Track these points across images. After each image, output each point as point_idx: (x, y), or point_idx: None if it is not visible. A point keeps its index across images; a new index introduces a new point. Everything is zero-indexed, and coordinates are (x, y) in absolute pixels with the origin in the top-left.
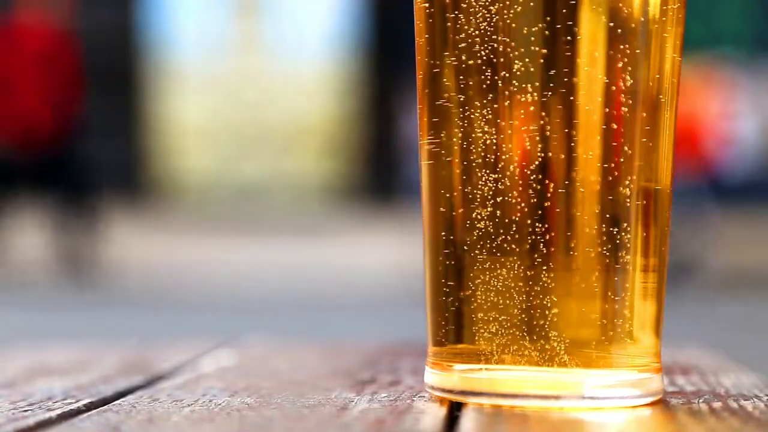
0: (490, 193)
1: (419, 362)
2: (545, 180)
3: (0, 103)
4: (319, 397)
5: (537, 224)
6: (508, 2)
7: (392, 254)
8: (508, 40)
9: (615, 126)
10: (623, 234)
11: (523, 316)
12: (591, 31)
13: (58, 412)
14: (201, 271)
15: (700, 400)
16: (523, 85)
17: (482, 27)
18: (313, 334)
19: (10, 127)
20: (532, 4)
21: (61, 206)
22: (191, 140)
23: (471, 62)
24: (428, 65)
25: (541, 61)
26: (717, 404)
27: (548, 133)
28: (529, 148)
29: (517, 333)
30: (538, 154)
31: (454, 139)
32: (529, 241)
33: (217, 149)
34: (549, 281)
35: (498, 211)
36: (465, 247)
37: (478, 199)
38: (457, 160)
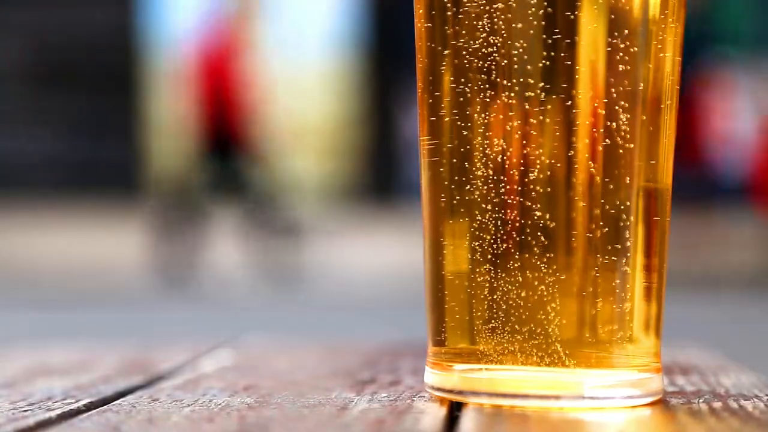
0: (490, 193)
1: (419, 362)
2: (545, 180)
3: (209, 101)
4: (319, 397)
5: (537, 224)
6: (508, 2)
7: (392, 254)
8: (507, 40)
9: (615, 126)
10: (623, 234)
11: (523, 316)
12: (591, 31)
13: (58, 412)
14: (201, 270)
15: (700, 400)
16: (523, 85)
17: (482, 27)
18: (313, 334)
19: (214, 126)
20: (532, 4)
21: (258, 211)
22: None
23: (471, 62)
24: (428, 65)
25: (541, 61)
26: (717, 404)
27: (548, 133)
28: (528, 148)
29: (517, 333)
30: (538, 154)
31: (454, 140)
32: (529, 241)
33: None
34: (549, 281)
35: (498, 211)
36: (465, 247)
37: (478, 200)
38: (457, 160)
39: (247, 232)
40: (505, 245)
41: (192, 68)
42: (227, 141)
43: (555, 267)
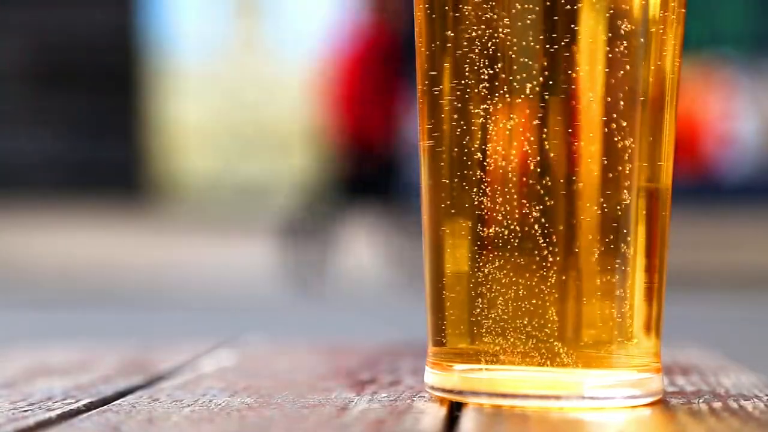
0: (490, 193)
1: (419, 362)
2: (545, 180)
3: (344, 105)
4: (319, 397)
5: (537, 224)
6: (508, 3)
7: (392, 254)
8: (507, 40)
9: (615, 126)
10: (623, 234)
11: (524, 315)
12: (591, 32)
13: (58, 412)
14: (201, 271)
15: (700, 400)
16: (524, 86)
17: (482, 27)
18: (313, 334)
19: (353, 130)
20: (532, 4)
21: (385, 215)
22: (191, 140)
23: (471, 63)
24: (428, 65)
25: (541, 61)
26: (717, 404)
27: (548, 133)
28: (529, 148)
29: (517, 333)
30: (538, 154)
31: (454, 139)
32: (529, 241)
33: (217, 149)
34: (549, 281)
35: (498, 211)
36: (465, 247)
37: (478, 199)
38: (456, 161)
39: (385, 232)
40: (505, 245)
41: (331, 73)
42: (365, 146)
43: (555, 267)
